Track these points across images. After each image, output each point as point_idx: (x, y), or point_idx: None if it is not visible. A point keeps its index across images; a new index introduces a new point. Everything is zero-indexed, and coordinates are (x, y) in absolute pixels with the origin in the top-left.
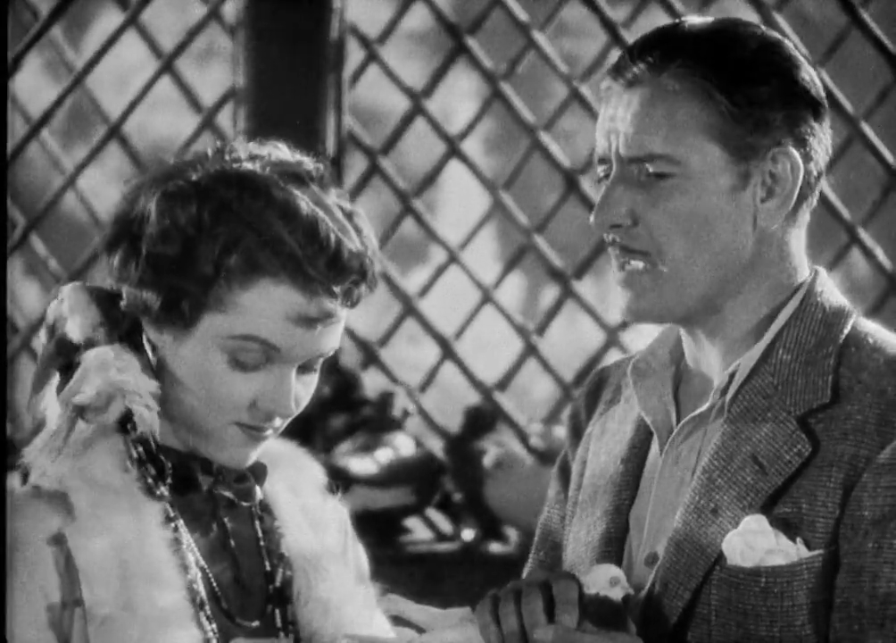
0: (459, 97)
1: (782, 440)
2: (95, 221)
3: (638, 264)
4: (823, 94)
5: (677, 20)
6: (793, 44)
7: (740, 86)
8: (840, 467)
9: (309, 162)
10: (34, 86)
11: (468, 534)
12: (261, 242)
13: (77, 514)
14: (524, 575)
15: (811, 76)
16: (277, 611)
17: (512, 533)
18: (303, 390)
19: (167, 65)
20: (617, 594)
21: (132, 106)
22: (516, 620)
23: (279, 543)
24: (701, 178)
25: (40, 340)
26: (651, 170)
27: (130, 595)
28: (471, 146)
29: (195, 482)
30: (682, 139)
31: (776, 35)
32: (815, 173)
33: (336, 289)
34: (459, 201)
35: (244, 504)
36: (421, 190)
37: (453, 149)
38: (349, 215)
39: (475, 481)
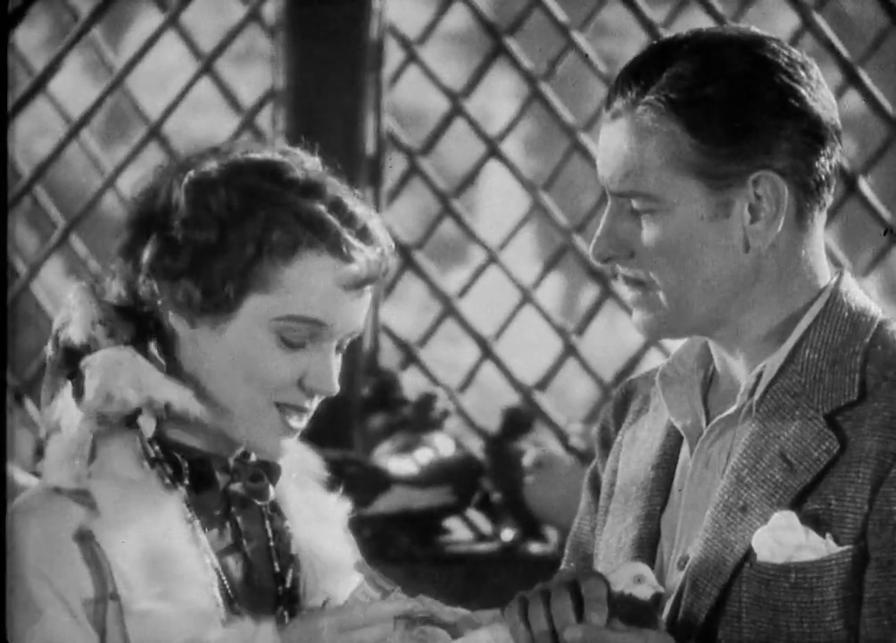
0: (498, 98)
1: (810, 438)
2: None
3: (639, 291)
4: (826, 103)
5: (664, 40)
6: (832, 45)
7: (710, 125)
8: (868, 463)
9: (306, 156)
10: (74, 86)
11: (507, 534)
12: (297, 217)
13: (101, 510)
14: None
15: (804, 90)
16: (286, 612)
17: (552, 533)
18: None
19: (206, 66)
20: (643, 592)
21: (172, 107)
22: (545, 620)
23: (289, 544)
24: (680, 211)
25: (47, 352)
26: (633, 206)
27: (163, 588)
28: (511, 147)
29: (212, 481)
30: (657, 177)
31: (762, 44)
32: (813, 184)
33: (371, 256)
34: (498, 201)
35: (258, 502)
36: (461, 191)
37: (493, 150)
38: (359, 197)
39: (514, 482)
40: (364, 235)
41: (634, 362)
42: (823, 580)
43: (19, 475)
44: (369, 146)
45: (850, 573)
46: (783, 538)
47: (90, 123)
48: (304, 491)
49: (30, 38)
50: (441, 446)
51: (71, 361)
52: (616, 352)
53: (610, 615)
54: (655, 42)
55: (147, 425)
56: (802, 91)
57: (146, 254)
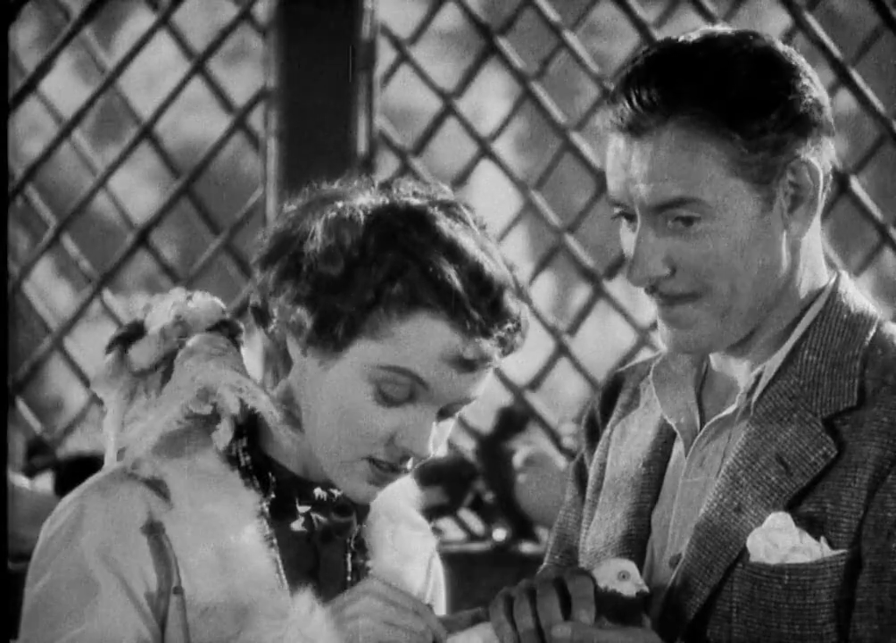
0: (490, 97)
1: (807, 441)
2: (127, 221)
3: (683, 307)
4: (822, 88)
5: (661, 48)
6: (824, 44)
7: (751, 119)
8: (865, 468)
9: (473, 208)
10: (65, 86)
11: (499, 534)
12: (425, 275)
13: (174, 501)
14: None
15: (809, 76)
16: None
17: (544, 533)
18: (439, 435)
19: (198, 66)
20: (627, 588)
21: (163, 107)
22: (531, 619)
23: None
24: (727, 214)
25: (160, 338)
26: (678, 215)
27: (229, 586)
28: (502, 146)
29: (292, 506)
30: (704, 181)
31: (765, 42)
32: (828, 171)
33: (493, 333)
34: (490, 201)
35: (339, 536)
36: (452, 190)
37: (484, 149)
38: (510, 267)
39: (506, 482)
40: (494, 309)
41: (625, 361)
42: (816, 583)
43: (12, 477)
44: (361, 146)
45: (843, 577)
46: (777, 540)
47: (82, 123)
48: (393, 523)
49: (22, 38)
50: None
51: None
52: (607, 351)
53: (597, 612)
54: (656, 53)
55: (225, 435)
56: (814, 79)
57: (273, 274)
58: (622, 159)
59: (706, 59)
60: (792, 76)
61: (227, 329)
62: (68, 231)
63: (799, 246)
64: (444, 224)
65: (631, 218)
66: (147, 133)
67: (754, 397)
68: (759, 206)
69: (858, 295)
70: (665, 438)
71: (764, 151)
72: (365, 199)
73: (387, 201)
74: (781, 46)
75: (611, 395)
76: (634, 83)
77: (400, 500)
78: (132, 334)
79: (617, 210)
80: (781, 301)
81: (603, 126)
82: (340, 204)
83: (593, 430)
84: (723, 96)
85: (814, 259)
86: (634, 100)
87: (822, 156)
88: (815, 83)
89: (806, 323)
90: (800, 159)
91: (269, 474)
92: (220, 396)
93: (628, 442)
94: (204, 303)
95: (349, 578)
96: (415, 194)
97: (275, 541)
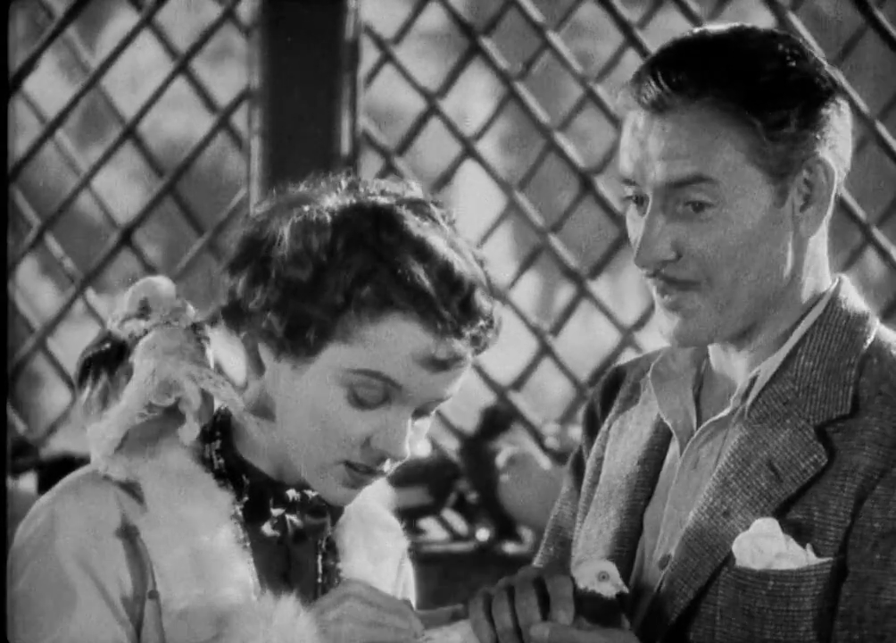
0: (474, 98)
1: (799, 448)
2: (110, 220)
3: (684, 294)
4: (839, 84)
5: (693, 34)
6: (807, 43)
7: (774, 109)
8: (854, 477)
9: (442, 205)
10: (49, 86)
11: (482, 534)
12: (395, 276)
13: (149, 505)
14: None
15: (829, 73)
16: None
17: (527, 533)
18: (416, 434)
19: (182, 65)
20: (606, 589)
21: (147, 106)
22: (510, 617)
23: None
24: (739, 202)
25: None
26: (690, 198)
27: (204, 590)
28: (486, 147)
29: (266, 509)
30: (721, 163)
31: (790, 37)
32: (843, 172)
33: (465, 333)
34: (474, 201)
35: (311, 538)
36: (436, 190)
37: (468, 149)
38: (480, 262)
39: (490, 482)
40: (465, 307)
41: (609, 361)
42: (800, 590)
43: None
44: (345, 146)
45: (827, 585)
46: (763, 545)
47: (65, 123)
48: (365, 524)
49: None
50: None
51: (122, 353)
52: (591, 352)
53: (576, 613)
54: (687, 38)
55: (191, 431)
56: (833, 77)
57: (242, 280)
58: (640, 135)
59: (737, 48)
60: (819, 77)
61: (184, 323)
62: (51, 231)
63: (805, 247)
64: (412, 223)
65: (641, 201)
66: (131, 133)
67: (749, 401)
68: (772, 199)
69: (859, 301)
70: (661, 437)
71: (784, 143)
72: (332, 201)
73: (354, 201)
74: (808, 49)
75: (612, 388)
76: (663, 63)
77: (372, 501)
78: (107, 351)
79: (629, 190)
80: (782, 302)
81: (624, 104)
82: (307, 208)
83: (592, 423)
84: (750, 83)
85: (818, 263)
86: (661, 78)
87: (837, 161)
88: (839, 89)
89: (804, 328)
90: (817, 157)
91: (243, 477)
92: (182, 388)
93: (626, 438)
94: (162, 286)
95: (319, 580)
96: (383, 193)
97: (248, 544)
